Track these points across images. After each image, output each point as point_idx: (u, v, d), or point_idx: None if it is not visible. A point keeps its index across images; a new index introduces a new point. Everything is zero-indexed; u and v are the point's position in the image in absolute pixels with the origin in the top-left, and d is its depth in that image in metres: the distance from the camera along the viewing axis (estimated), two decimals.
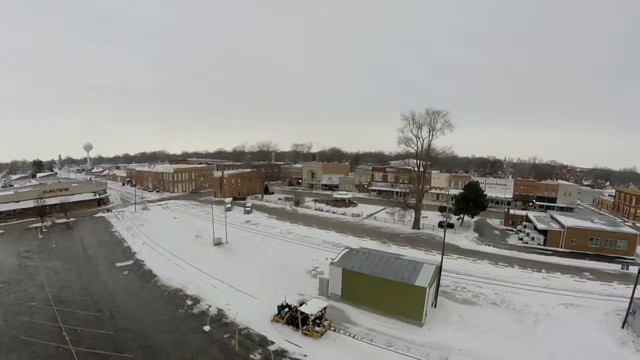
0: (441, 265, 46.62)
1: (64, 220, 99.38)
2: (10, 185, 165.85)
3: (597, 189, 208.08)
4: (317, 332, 37.40)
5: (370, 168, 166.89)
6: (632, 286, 39.72)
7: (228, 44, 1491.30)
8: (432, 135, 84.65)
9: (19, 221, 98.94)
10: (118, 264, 61.88)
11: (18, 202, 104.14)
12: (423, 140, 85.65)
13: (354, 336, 37.78)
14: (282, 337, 37.81)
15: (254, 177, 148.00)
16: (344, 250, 50.04)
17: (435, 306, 43.90)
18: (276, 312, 41.35)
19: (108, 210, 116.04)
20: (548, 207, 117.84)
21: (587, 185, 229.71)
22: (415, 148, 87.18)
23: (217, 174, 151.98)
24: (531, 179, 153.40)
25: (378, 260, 45.10)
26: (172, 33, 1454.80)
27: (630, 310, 39.58)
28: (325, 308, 39.38)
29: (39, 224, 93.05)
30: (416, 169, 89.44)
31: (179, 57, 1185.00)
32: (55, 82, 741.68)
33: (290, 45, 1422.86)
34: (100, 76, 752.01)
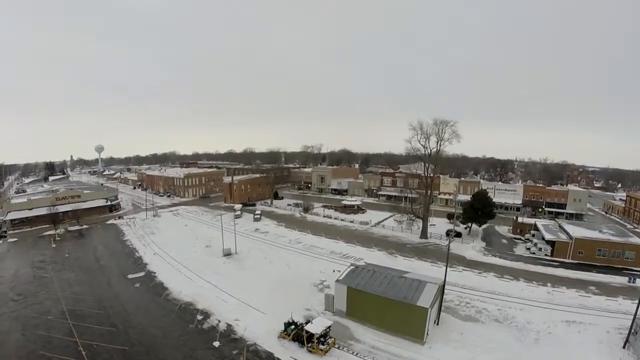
0: (444, 282, 47.28)
1: (77, 227, 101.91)
2: (23, 191, 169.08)
3: (608, 192, 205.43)
4: (322, 349, 38.40)
5: (379, 173, 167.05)
6: (637, 302, 39.45)
7: (243, 45, 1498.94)
8: (440, 145, 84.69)
9: (32, 228, 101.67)
10: (130, 276, 63.49)
11: (31, 209, 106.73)
12: (431, 150, 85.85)
13: (357, 354, 38.68)
14: (287, 353, 38.95)
15: (263, 183, 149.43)
16: (349, 267, 51.00)
17: (438, 323, 44.52)
18: (283, 328, 42.41)
19: (119, 217, 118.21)
20: (558, 214, 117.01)
21: (598, 188, 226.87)
22: (423, 157, 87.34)
23: (227, 179, 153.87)
24: (541, 184, 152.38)
25: (382, 278, 45.94)
26: (188, 34, 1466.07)
27: (633, 330, 39.48)
28: (329, 327, 40.30)
29: (52, 232, 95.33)
30: (424, 174, 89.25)
31: (192, 57, 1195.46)
32: (68, 81, 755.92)
33: (306, 47, 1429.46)
34: (113, 76, 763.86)
